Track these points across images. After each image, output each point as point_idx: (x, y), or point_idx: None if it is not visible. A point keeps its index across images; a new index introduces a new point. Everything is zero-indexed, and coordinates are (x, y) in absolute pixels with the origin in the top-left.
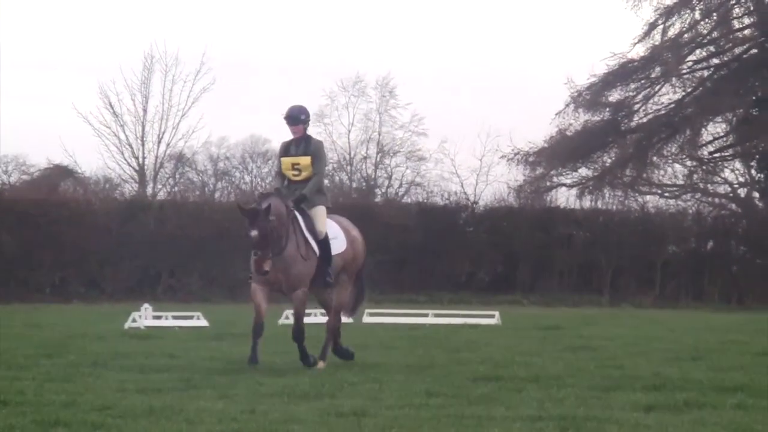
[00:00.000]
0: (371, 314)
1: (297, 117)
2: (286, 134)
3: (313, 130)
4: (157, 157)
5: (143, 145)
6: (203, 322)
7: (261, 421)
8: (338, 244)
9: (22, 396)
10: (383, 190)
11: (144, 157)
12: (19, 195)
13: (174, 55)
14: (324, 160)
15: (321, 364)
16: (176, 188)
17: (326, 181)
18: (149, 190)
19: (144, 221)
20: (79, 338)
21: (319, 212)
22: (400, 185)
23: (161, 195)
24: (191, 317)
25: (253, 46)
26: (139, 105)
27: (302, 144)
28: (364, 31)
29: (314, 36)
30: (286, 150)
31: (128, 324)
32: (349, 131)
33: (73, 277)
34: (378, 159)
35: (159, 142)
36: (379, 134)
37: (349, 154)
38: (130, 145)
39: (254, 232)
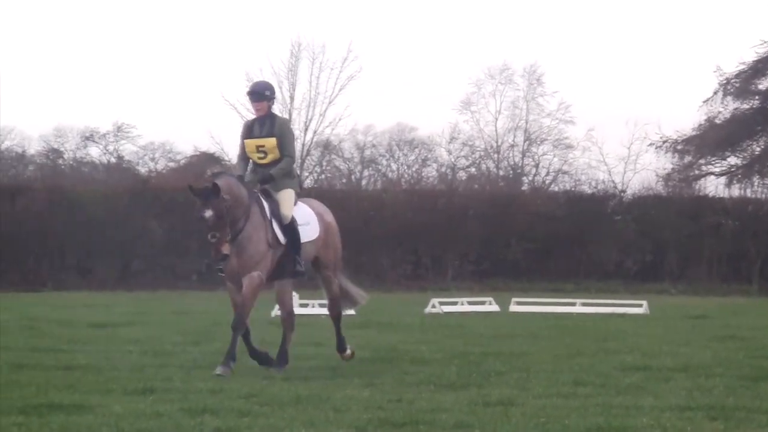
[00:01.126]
0: (518, 303)
1: (261, 93)
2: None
3: (459, 118)
4: (303, 144)
5: None
6: (349, 311)
7: (407, 410)
8: (310, 231)
9: (169, 383)
10: (530, 179)
11: None
12: (166, 182)
13: (321, 43)
14: (293, 140)
15: (348, 353)
16: (323, 176)
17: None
18: None
19: None
20: (225, 326)
21: (286, 195)
22: (547, 173)
23: (308, 182)
24: None
25: (399, 34)
26: (286, 92)
27: (266, 123)
28: (511, 19)
29: (460, 23)
30: (250, 130)
31: (274, 312)
32: (496, 119)
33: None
34: (525, 147)
35: (306, 129)
36: (526, 122)
37: (496, 141)
38: None
39: (208, 213)
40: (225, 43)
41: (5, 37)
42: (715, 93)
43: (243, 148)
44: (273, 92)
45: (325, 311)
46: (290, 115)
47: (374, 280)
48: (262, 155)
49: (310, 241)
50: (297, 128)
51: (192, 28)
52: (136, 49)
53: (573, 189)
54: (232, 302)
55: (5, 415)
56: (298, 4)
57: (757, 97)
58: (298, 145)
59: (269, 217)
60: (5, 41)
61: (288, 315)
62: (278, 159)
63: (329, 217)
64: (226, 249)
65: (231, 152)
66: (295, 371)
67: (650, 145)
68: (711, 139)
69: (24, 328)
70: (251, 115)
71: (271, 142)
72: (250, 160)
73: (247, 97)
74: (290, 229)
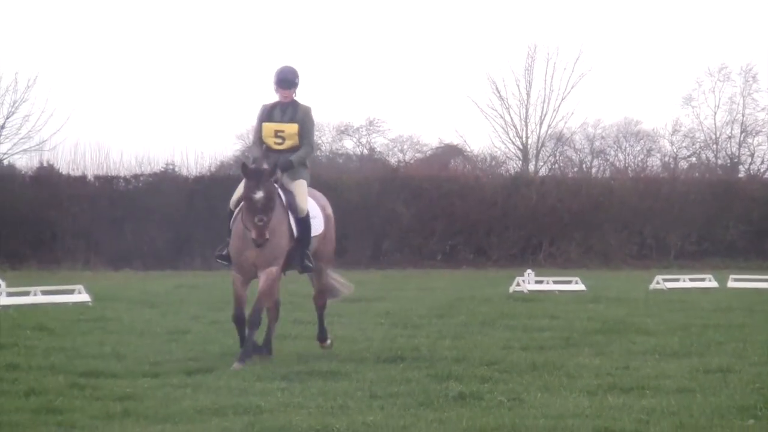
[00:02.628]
0: (735, 280)
1: (292, 81)
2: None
3: (681, 112)
4: (539, 136)
5: (526, 126)
6: (581, 287)
7: (634, 376)
8: (317, 225)
9: (417, 352)
10: (746, 167)
11: (527, 137)
12: (413, 171)
13: (555, 44)
14: (313, 129)
15: (328, 342)
16: (556, 165)
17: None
18: (531, 166)
19: (527, 195)
20: (467, 300)
21: (302, 187)
22: (762, 162)
23: (542, 171)
24: (570, 282)
25: (627, 36)
26: (523, 90)
27: (289, 109)
28: (728, 22)
29: (682, 26)
30: (269, 115)
31: (513, 288)
32: (715, 113)
33: (463, 245)
34: (741, 138)
35: (541, 123)
36: (743, 116)
37: (715, 134)
38: (515, 126)
39: (260, 194)
40: (467, 46)
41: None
42: None
43: (260, 131)
44: (299, 80)
45: (559, 287)
46: (527, 110)
47: (603, 259)
48: (279, 140)
49: (315, 236)
50: (533, 122)
51: (437, 33)
52: (385, 51)
53: None
54: (235, 293)
55: (269, 380)
56: (534, 8)
57: None
58: (533, 137)
59: (287, 210)
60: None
61: (274, 305)
62: (296, 146)
63: (329, 209)
64: (268, 234)
65: (472, 144)
66: (532, 341)
67: None
68: None
69: (286, 302)
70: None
71: (292, 128)
72: (264, 145)
73: (276, 84)
74: (304, 223)
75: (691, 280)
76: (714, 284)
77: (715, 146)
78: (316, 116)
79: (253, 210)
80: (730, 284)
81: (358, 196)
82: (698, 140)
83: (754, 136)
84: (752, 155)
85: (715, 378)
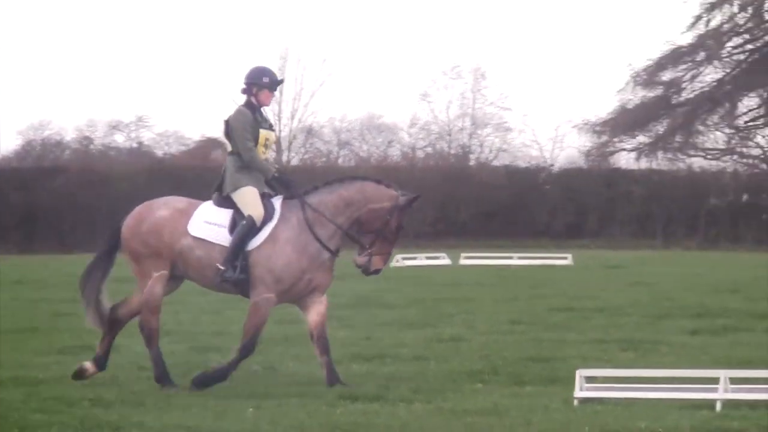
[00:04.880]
0: (467, 257)
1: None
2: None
3: (418, 107)
4: (291, 130)
5: (279, 120)
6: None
7: (376, 346)
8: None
9: (180, 326)
10: (476, 156)
11: (280, 131)
12: (178, 163)
13: (306, 47)
14: None
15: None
16: (307, 156)
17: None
18: (284, 157)
19: None
20: None
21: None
22: (490, 151)
23: (294, 161)
24: None
25: (369, 40)
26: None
27: (263, 115)
28: (460, 25)
29: (420, 30)
30: (256, 121)
31: None
32: (448, 108)
33: None
34: (472, 130)
35: (292, 118)
36: (473, 110)
37: (448, 126)
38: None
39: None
40: (227, 47)
41: (40, 42)
42: (627, 84)
43: (257, 138)
44: None
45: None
46: (280, 106)
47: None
48: (264, 150)
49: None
50: (285, 117)
51: (199, 35)
52: (154, 51)
53: (511, 164)
54: (265, 320)
55: (46, 354)
56: (287, 12)
57: (661, 87)
58: (287, 131)
59: None
60: (40, 46)
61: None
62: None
63: None
64: None
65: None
66: (286, 315)
67: (574, 127)
68: (623, 122)
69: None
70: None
71: (272, 136)
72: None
73: (265, 86)
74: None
75: (427, 258)
76: (448, 261)
77: (448, 137)
78: (96, 113)
79: (393, 239)
80: (462, 261)
81: (129, 187)
82: (433, 132)
83: (483, 128)
84: (481, 145)
85: (447, 347)
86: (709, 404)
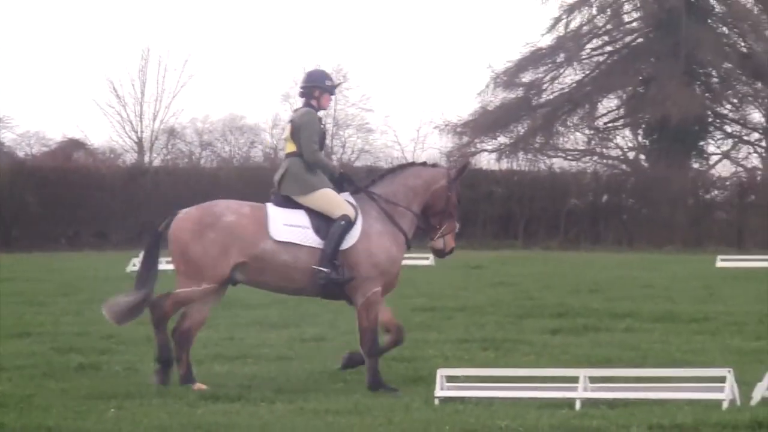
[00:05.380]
0: None
1: (337, 86)
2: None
3: (280, 108)
4: (152, 131)
5: (141, 121)
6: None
7: (238, 346)
8: None
9: (42, 327)
10: (338, 157)
11: (142, 132)
12: (40, 163)
13: (167, 48)
14: None
15: None
16: (169, 157)
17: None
18: (147, 158)
19: (143, 184)
20: (90, 280)
21: None
22: (352, 152)
23: (156, 162)
24: None
25: (231, 41)
26: (138, 89)
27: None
28: (322, 26)
29: (280, 30)
30: (320, 124)
31: (129, 268)
32: None
33: (85, 230)
34: (334, 131)
35: (154, 119)
36: (335, 111)
37: None
38: (131, 122)
39: None
40: (85, 48)
41: None
42: (487, 85)
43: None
44: None
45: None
46: (141, 107)
47: None
48: None
49: None
50: (147, 118)
51: (55, 37)
52: (11, 50)
53: (373, 165)
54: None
55: None
56: (147, 14)
57: (521, 88)
58: (148, 132)
59: None
60: None
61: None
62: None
63: None
64: None
65: (93, 138)
66: (147, 314)
67: (435, 128)
68: (484, 123)
69: None
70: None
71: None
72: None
73: (327, 89)
74: None
75: None
76: None
77: None
78: None
79: (456, 213)
80: None
81: None
82: None
83: (345, 129)
84: (344, 146)
85: (309, 347)
86: (569, 403)
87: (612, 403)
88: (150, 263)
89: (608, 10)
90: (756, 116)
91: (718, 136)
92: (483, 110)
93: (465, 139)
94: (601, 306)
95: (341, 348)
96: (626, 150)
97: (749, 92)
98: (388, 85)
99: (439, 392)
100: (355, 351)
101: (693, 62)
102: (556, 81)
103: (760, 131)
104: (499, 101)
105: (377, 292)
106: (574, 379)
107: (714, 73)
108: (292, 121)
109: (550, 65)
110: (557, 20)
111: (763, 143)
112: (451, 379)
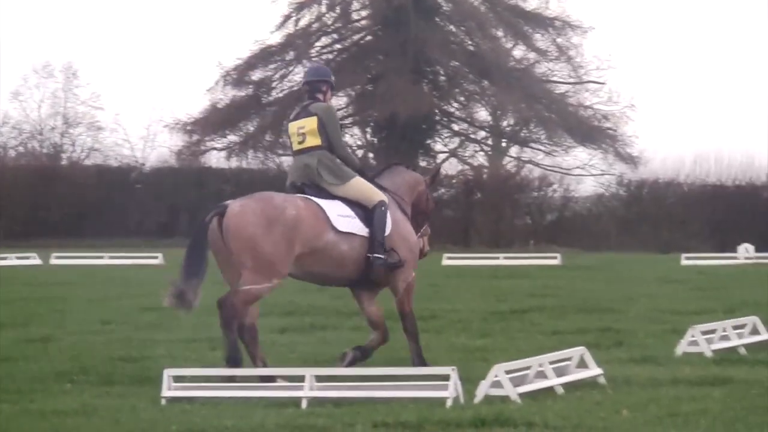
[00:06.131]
0: (58, 257)
1: None
2: None
3: (10, 106)
4: None
5: None
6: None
7: None
8: None
9: None
10: (68, 155)
11: None
12: None
13: None
14: None
15: None
16: None
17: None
18: None
19: None
20: None
21: None
22: (82, 150)
23: None
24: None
25: None
26: None
27: None
28: (52, 21)
29: (7, 25)
30: None
31: None
32: (40, 106)
33: None
34: (64, 129)
35: None
36: (65, 108)
37: (40, 125)
38: None
39: None
40: None
41: None
42: (217, 83)
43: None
44: None
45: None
46: None
47: None
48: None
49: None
50: None
51: None
52: None
53: (103, 163)
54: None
55: None
56: None
57: (250, 87)
58: None
59: None
60: None
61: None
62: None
63: None
64: None
65: None
66: None
67: (165, 126)
68: (214, 121)
69: None
70: None
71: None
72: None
73: (332, 85)
74: None
75: (18, 258)
76: (38, 261)
77: (40, 136)
78: None
79: (429, 218)
80: (53, 261)
81: None
82: (25, 131)
83: (75, 127)
84: (74, 144)
85: (36, 347)
86: (296, 402)
87: (338, 402)
88: (200, 254)
89: (337, 8)
90: (482, 114)
91: (446, 134)
92: (213, 108)
93: (195, 137)
94: (328, 304)
95: (69, 348)
96: (355, 148)
97: (476, 90)
98: (118, 83)
99: (166, 392)
100: (360, 346)
101: (421, 60)
102: (286, 79)
103: (487, 129)
104: (228, 99)
105: (414, 277)
106: (301, 378)
107: (442, 71)
108: (316, 115)
109: (279, 63)
110: (287, 18)
111: (490, 141)
112: (178, 378)
